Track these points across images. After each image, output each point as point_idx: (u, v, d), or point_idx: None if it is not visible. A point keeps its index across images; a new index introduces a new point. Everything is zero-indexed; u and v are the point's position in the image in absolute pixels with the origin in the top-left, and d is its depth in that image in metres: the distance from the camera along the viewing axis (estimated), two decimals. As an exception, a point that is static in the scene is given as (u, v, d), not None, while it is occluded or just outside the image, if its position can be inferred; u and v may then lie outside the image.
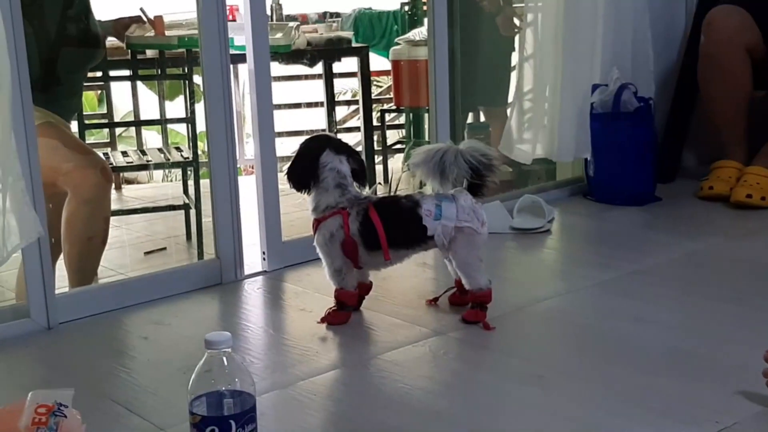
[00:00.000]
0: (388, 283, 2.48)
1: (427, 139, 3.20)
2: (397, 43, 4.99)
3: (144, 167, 4.44)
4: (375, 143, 5.27)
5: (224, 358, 1.44)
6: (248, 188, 2.89)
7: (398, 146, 5.67)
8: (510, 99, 3.31)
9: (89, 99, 6.45)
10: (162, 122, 4.88)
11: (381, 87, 6.51)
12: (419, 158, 2.19)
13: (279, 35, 4.31)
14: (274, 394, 1.85)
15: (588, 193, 3.39)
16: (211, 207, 2.60)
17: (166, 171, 5.80)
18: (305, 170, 2.22)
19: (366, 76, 4.84)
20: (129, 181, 5.88)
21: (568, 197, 3.42)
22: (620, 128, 3.21)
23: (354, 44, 5.02)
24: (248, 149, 5.71)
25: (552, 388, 1.85)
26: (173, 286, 2.49)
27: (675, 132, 3.60)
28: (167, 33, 3.77)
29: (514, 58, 4.02)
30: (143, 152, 4.44)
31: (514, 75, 3.93)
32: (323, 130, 5.30)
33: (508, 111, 3.30)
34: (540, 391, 1.84)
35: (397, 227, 2.18)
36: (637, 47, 3.37)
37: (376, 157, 5.20)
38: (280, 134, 5.89)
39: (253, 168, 5.52)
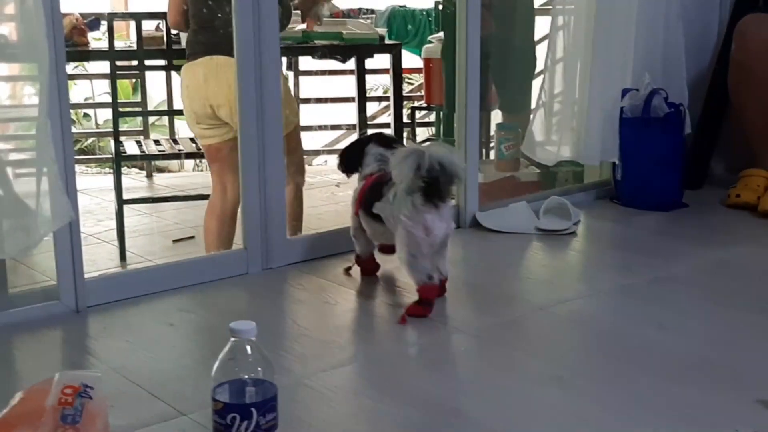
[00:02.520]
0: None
1: (455, 137, 3.20)
2: (430, 41, 5.00)
3: (175, 156, 4.48)
4: (404, 140, 5.29)
5: (248, 347, 1.46)
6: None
7: (427, 144, 5.67)
8: (534, 100, 3.30)
9: (124, 87, 6.52)
10: (194, 112, 4.91)
11: (412, 84, 6.52)
12: (398, 158, 2.20)
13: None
14: (297, 385, 1.87)
15: (615, 197, 3.39)
16: (241, 197, 2.63)
17: (198, 160, 5.85)
18: (351, 154, 2.55)
19: (398, 73, 4.85)
20: (161, 170, 5.94)
21: (594, 200, 3.42)
22: (649, 133, 3.20)
23: (387, 41, 5.04)
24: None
25: (570, 390, 1.86)
26: (200, 274, 2.52)
27: (704, 139, 3.58)
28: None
29: (539, 65, 4.00)
30: (175, 141, 4.48)
31: (536, 83, 3.88)
32: (354, 126, 5.34)
33: (531, 113, 3.30)
34: (558, 392, 1.85)
35: (371, 197, 2.38)
36: (669, 53, 3.36)
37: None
38: (310, 128, 5.93)
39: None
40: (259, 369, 1.47)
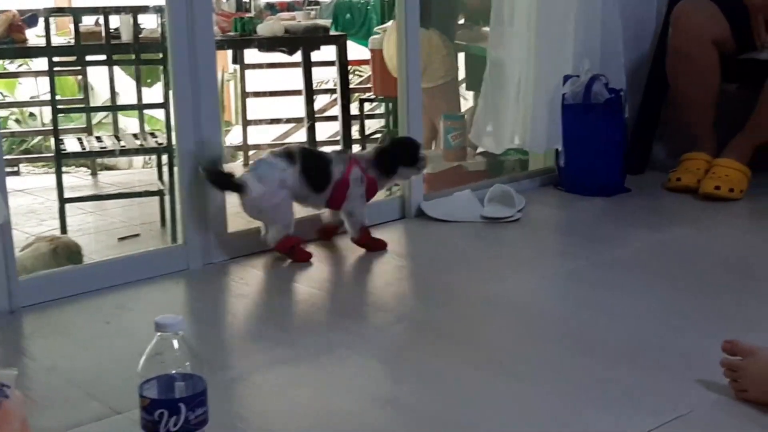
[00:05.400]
0: (355, 268, 2.48)
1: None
2: (377, 32, 4.99)
3: (111, 153, 4.42)
4: (354, 133, 5.27)
5: (175, 341, 1.44)
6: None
7: (377, 136, 5.67)
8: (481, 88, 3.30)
9: (69, 84, 6.44)
10: (137, 107, 4.87)
11: (362, 76, 6.50)
12: None
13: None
14: (234, 381, 1.86)
15: (559, 183, 3.39)
16: (178, 193, 2.60)
17: (146, 157, 5.79)
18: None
19: (344, 64, 4.84)
20: (109, 167, 5.87)
21: (539, 187, 3.42)
22: (591, 119, 3.21)
23: (333, 32, 5.02)
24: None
25: (512, 377, 1.86)
26: (139, 271, 2.48)
27: (645, 124, 3.60)
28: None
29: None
30: (118, 138, 4.43)
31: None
32: (302, 119, 5.32)
33: (478, 101, 3.30)
34: (500, 380, 1.85)
35: None
36: (607, 39, 3.37)
37: (354, 146, 5.20)
38: (261, 122, 5.91)
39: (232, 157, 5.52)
40: (188, 363, 1.45)
